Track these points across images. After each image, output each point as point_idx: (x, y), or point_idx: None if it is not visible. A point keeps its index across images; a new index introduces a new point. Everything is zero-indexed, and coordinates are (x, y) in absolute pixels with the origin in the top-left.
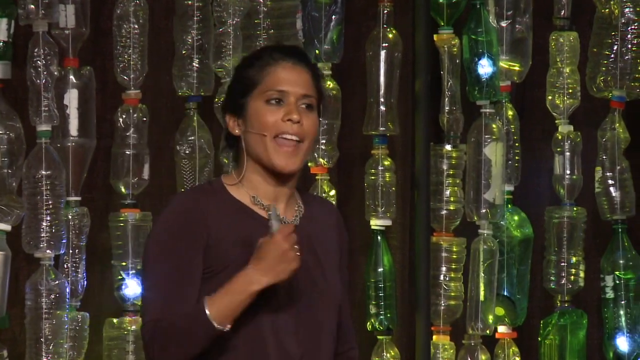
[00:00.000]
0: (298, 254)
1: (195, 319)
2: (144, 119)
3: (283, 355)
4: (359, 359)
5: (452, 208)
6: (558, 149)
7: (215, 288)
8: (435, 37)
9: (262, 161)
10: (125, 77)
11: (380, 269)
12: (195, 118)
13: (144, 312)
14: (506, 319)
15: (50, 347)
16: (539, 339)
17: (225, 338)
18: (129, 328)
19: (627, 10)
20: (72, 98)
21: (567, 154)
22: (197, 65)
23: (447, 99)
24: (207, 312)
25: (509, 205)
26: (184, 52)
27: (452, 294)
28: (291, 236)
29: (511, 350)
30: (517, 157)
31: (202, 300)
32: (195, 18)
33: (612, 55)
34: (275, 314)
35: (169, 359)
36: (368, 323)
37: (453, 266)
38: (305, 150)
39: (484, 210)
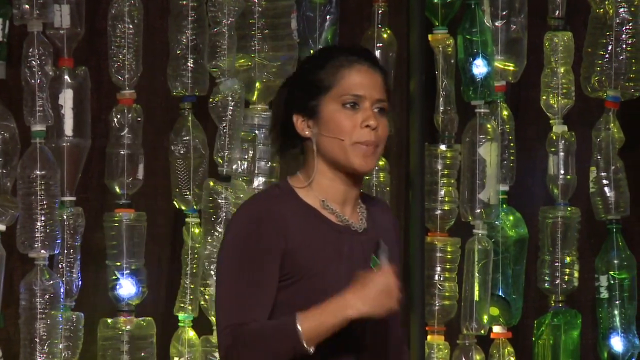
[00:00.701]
0: (400, 295)
1: (284, 331)
2: (139, 119)
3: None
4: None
5: (446, 208)
6: (552, 149)
7: (295, 296)
8: (429, 37)
9: (338, 163)
10: (120, 77)
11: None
12: (189, 118)
13: (220, 319)
14: (501, 319)
15: (45, 347)
16: (533, 339)
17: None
18: (123, 328)
19: (621, 10)
20: (66, 98)
21: (562, 154)
22: (191, 65)
23: (441, 99)
24: (299, 327)
25: (504, 205)
26: (178, 52)
27: (447, 294)
28: (397, 276)
29: (506, 350)
30: (511, 157)
31: (293, 315)
32: (189, 18)
33: (607, 55)
34: (350, 325)
35: None
36: None
37: (447, 266)
38: (380, 153)
39: (478, 210)
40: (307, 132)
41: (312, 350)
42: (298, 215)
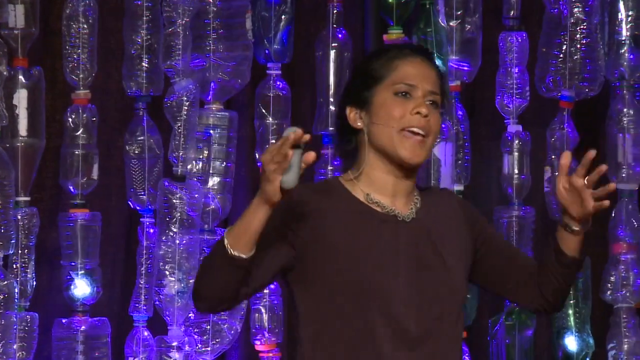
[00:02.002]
0: (274, 167)
1: (214, 248)
2: (93, 118)
3: (399, 343)
4: None
5: None
6: (507, 149)
7: (322, 279)
8: (384, 36)
9: (387, 153)
10: (75, 77)
11: None
12: (144, 118)
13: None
14: None
15: None
16: (489, 338)
17: (337, 329)
18: (78, 328)
19: (576, 10)
20: (21, 98)
21: (516, 153)
22: (146, 65)
23: None
24: (225, 239)
25: None
26: (133, 52)
27: None
28: (272, 151)
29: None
30: (466, 157)
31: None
32: (144, 18)
33: (561, 55)
34: (392, 305)
35: (203, 292)
36: None
37: None
38: (430, 145)
39: None
40: (359, 123)
41: (243, 255)
42: (337, 205)
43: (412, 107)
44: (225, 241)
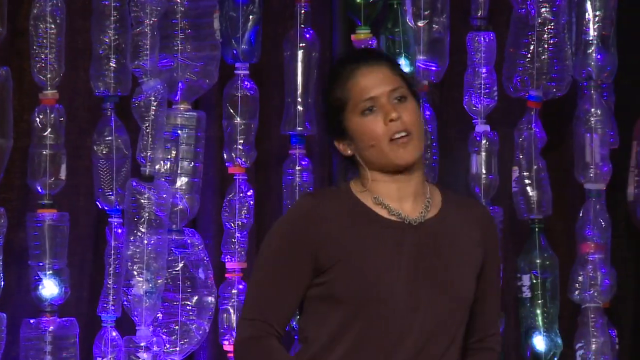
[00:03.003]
0: None
1: None
2: (61, 119)
3: (401, 349)
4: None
5: None
6: (475, 149)
7: (326, 284)
8: (352, 36)
9: (384, 166)
10: (42, 77)
11: None
12: (112, 118)
13: (244, 307)
14: None
15: None
16: None
17: (344, 334)
18: (46, 328)
19: (543, 10)
20: None
21: (484, 153)
22: (114, 65)
23: None
24: None
25: None
26: (101, 52)
27: None
28: None
29: None
30: (434, 157)
31: None
32: (112, 18)
33: (529, 55)
34: (393, 310)
35: None
36: None
37: None
38: (416, 139)
39: None
40: (349, 152)
41: None
42: (346, 211)
43: (383, 118)
44: None
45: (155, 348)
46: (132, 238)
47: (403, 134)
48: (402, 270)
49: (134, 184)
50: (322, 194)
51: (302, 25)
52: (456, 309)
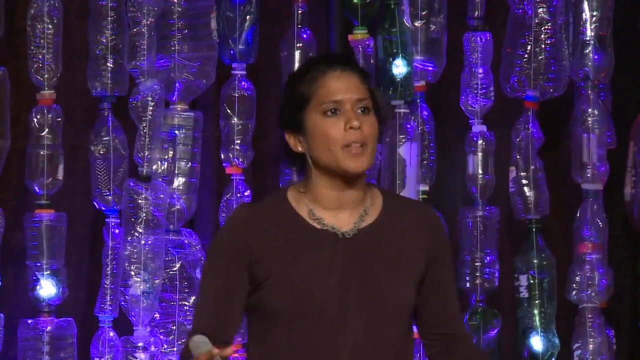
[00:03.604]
0: None
1: None
2: (58, 119)
3: None
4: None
5: None
6: (472, 149)
7: (259, 298)
8: (349, 37)
9: (333, 170)
10: (40, 78)
11: None
12: (109, 118)
13: (192, 319)
14: None
15: None
16: None
17: (280, 350)
18: (44, 329)
19: (540, 10)
20: None
21: (481, 153)
22: (111, 66)
23: None
24: None
25: None
26: (98, 52)
27: None
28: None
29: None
30: (431, 157)
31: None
32: (109, 18)
33: (526, 56)
34: (325, 327)
35: None
36: None
37: None
38: (370, 151)
39: None
40: (299, 148)
41: None
42: (281, 224)
43: (344, 123)
44: None
45: (152, 348)
46: (129, 238)
47: (359, 144)
48: (334, 284)
49: (132, 184)
50: (257, 205)
51: (299, 26)
52: (391, 318)
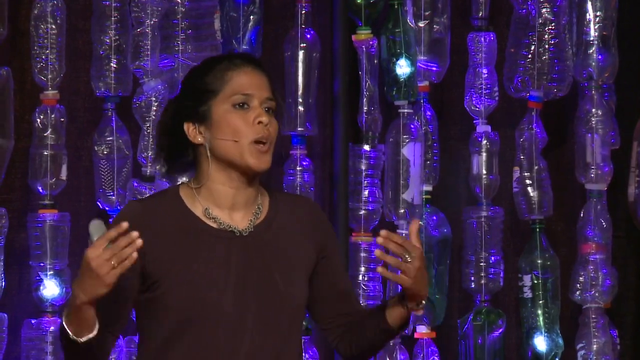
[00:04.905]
0: (114, 269)
1: (65, 342)
2: (62, 119)
3: None
4: None
5: (370, 208)
6: (476, 149)
7: (153, 298)
8: (353, 37)
9: (234, 163)
10: (43, 78)
11: None
12: (113, 118)
13: None
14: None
15: None
16: (458, 338)
17: (172, 350)
18: (47, 329)
19: (544, 10)
20: None
21: (485, 154)
22: (115, 66)
23: (365, 99)
24: (64, 324)
25: (427, 205)
26: (101, 52)
27: (371, 294)
28: (104, 251)
29: (430, 349)
30: (435, 157)
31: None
32: (113, 18)
33: (530, 56)
34: (222, 327)
35: None
36: None
37: (372, 266)
38: (271, 151)
39: (402, 210)
40: (199, 139)
41: (84, 338)
42: (174, 222)
43: (252, 117)
44: (70, 335)
45: None
46: None
47: (265, 141)
48: (230, 284)
49: (135, 184)
50: (149, 202)
51: (303, 26)
52: (287, 313)
